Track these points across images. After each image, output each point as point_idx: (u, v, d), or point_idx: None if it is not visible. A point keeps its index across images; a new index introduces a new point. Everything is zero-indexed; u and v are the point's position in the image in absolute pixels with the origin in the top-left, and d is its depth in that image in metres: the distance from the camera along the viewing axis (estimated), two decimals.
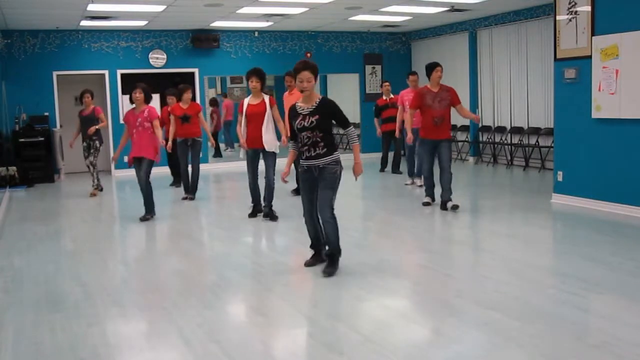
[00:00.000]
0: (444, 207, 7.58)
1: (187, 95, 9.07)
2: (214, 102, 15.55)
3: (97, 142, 9.61)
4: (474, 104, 12.90)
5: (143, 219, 7.58)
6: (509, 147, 11.97)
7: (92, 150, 9.58)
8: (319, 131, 4.93)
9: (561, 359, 3.41)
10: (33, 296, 4.83)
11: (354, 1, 10.13)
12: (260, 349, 3.75)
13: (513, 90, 12.12)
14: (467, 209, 7.78)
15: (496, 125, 12.52)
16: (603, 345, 3.55)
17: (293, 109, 5.08)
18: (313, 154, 4.98)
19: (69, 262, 5.91)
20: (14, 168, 10.73)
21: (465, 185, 9.98)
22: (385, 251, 5.86)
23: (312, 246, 5.42)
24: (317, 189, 5.07)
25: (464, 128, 13.19)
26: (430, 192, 7.94)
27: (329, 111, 4.98)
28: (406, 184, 9.91)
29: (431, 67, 7.56)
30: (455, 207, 7.48)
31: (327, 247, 5.20)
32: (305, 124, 4.93)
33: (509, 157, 11.98)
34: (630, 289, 4.58)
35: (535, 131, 11.41)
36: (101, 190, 10.12)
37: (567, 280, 4.79)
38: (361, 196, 9.47)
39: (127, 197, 10.35)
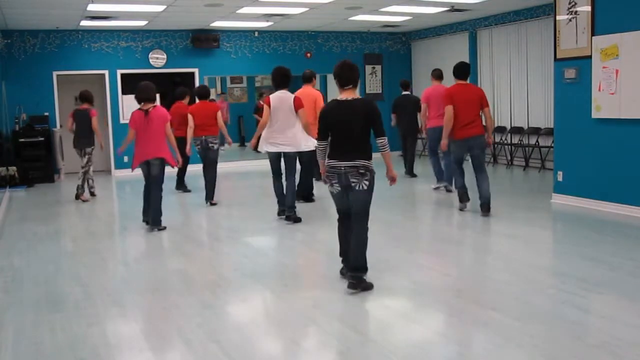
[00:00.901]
0: (465, 199, 7.52)
1: None
2: None
3: None
4: None
5: (161, 228, 7.10)
6: (509, 147, 11.98)
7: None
8: None
9: (561, 359, 3.41)
10: (33, 296, 4.83)
11: (354, 1, 10.13)
12: (260, 349, 3.75)
13: (513, 90, 12.12)
14: (468, 208, 7.76)
15: (496, 125, 12.51)
16: (603, 345, 3.55)
17: None
18: None
19: (69, 262, 5.91)
20: (14, 168, 10.73)
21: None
22: (385, 251, 5.86)
23: None
24: None
25: None
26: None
27: None
28: (444, 189, 9.12)
29: (469, 67, 7.47)
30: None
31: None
32: None
33: (509, 157, 11.98)
34: (630, 289, 4.58)
35: (535, 131, 11.41)
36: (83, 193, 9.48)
37: (567, 280, 4.79)
38: None
39: (127, 197, 10.35)
